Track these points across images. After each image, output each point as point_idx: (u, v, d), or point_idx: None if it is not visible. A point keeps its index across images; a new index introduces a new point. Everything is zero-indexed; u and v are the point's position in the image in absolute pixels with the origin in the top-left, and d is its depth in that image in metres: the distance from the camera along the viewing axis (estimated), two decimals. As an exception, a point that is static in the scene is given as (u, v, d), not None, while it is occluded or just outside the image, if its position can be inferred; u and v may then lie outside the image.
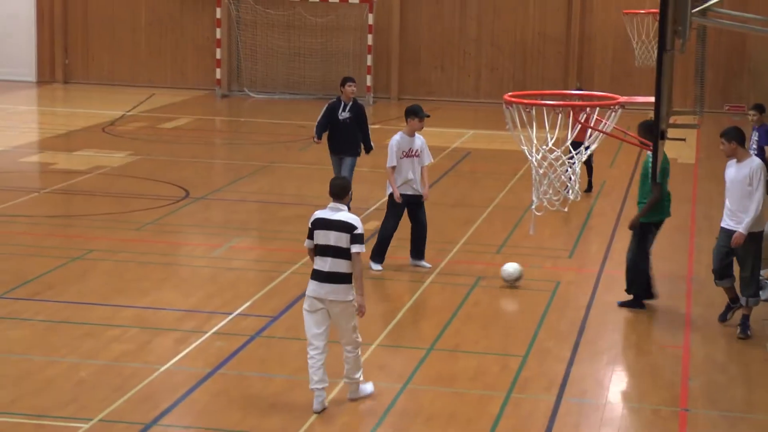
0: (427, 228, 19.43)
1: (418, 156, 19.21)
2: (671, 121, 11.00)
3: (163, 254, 20.39)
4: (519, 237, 21.74)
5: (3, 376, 14.53)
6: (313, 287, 13.68)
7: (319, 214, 13.85)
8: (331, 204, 13.84)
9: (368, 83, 39.42)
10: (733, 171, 16.22)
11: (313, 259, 13.80)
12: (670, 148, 13.91)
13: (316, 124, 22.25)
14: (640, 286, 17.52)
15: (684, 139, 12.80)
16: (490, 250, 20.99)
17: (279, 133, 32.11)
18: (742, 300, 16.18)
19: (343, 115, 21.81)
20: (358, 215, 14.05)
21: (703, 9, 9.31)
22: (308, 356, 13.54)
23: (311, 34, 40.14)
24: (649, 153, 16.19)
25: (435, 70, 39.78)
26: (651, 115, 11.21)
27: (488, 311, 17.70)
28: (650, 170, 16.48)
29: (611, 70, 38.32)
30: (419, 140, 19.38)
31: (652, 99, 10.07)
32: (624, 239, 21.68)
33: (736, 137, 16.33)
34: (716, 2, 9.85)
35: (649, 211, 17.22)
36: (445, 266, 19.71)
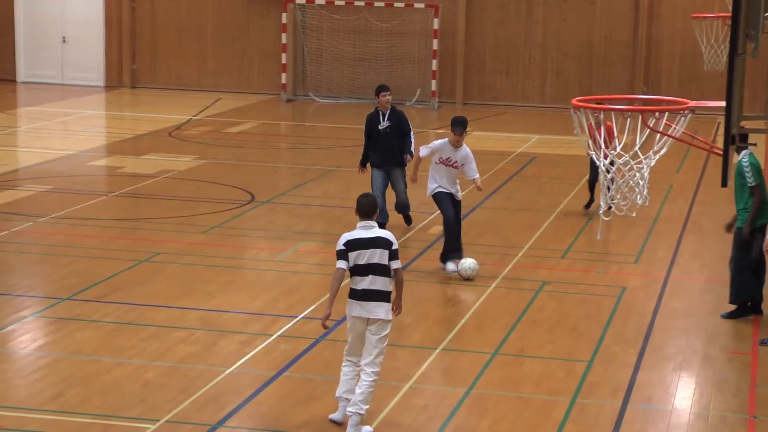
0: (461, 230, 19.56)
1: (456, 167, 19.16)
2: (741, 125, 10.97)
3: (229, 257, 20.51)
4: (584, 242, 21.71)
5: (72, 377, 14.67)
6: (355, 307, 13.44)
7: (352, 235, 13.59)
8: (362, 223, 13.63)
9: (433, 88, 39.43)
10: None
11: (338, 284, 13.41)
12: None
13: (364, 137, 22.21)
14: (746, 296, 17.21)
15: (755, 144, 12.75)
16: (555, 255, 20.97)
17: (344, 138, 32.18)
18: None
19: (383, 125, 21.60)
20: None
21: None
22: (342, 371, 13.51)
23: (376, 39, 40.19)
24: (742, 158, 16.20)
25: (500, 74, 39.76)
26: (721, 120, 11.20)
27: (553, 316, 17.67)
28: (745, 174, 16.52)
29: (678, 74, 38.15)
30: (462, 153, 19.24)
31: (723, 104, 10.04)
32: (691, 244, 21.68)
33: None
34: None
35: (755, 216, 16.78)
36: (509, 271, 19.70)
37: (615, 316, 17.67)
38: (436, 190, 19.25)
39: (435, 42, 39.36)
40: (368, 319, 13.30)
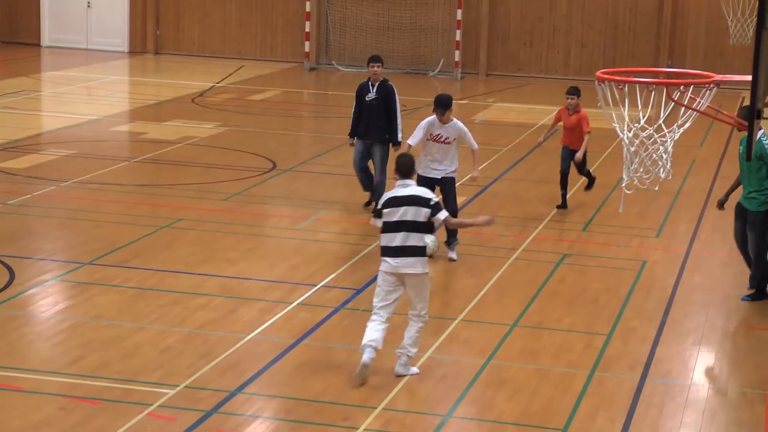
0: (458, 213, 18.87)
1: (448, 143, 18.61)
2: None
3: (250, 225, 20.57)
4: (606, 215, 21.70)
5: (93, 341, 14.75)
6: (387, 263, 13.98)
7: (390, 194, 14.24)
8: (399, 182, 14.17)
9: (456, 58, 39.43)
10: None
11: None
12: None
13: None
14: (765, 278, 17.12)
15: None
16: (576, 228, 20.99)
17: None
18: None
19: (370, 96, 21.03)
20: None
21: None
22: (370, 322, 13.96)
23: (400, 8, 40.17)
24: (762, 134, 16.08)
25: (524, 46, 39.74)
26: (746, 94, 11.18)
27: (573, 289, 17.69)
28: (765, 151, 16.28)
29: (704, 47, 38.07)
30: (453, 128, 18.71)
31: (749, 78, 10.03)
32: (713, 219, 21.64)
33: None
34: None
35: None
36: (530, 243, 19.72)
37: (635, 290, 17.68)
38: (422, 173, 18.70)
39: (459, 12, 39.34)
40: (404, 274, 13.84)
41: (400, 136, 20.84)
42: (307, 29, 40.50)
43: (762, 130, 15.98)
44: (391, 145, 20.91)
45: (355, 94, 21.47)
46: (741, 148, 16.52)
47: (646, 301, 17.24)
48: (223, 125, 29.33)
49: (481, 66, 39.80)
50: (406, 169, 14.28)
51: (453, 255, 18.64)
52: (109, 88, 35.74)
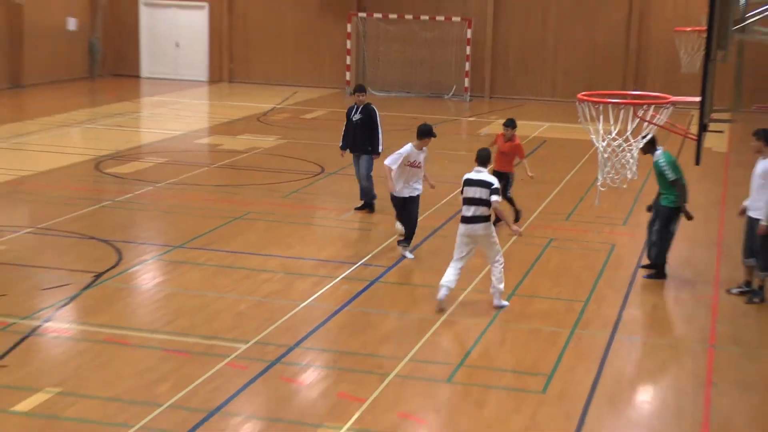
0: (418, 220, 18.32)
1: (420, 167, 17.84)
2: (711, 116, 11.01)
3: (304, 216, 20.64)
4: (584, 208, 21.75)
5: (182, 307, 14.91)
6: (463, 228, 15.21)
7: (467, 175, 15.35)
8: (476, 168, 15.34)
9: (466, 85, 39.43)
10: (758, 166, 15.92)
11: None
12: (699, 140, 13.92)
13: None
14: (663, 259, 17.14)
15: (722, 131, 12.79)
16: (560, 218, 21.04)
17: (395, 124, 32.15)
18: (759, 275, 16.05)
19: (355, 117, 20.92)
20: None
21: (742, 26, 9.33)
22: (448, 268, 15.23)
23: (421, 46, 40.19)
24: (658, 155, 16.27)
25: (520, 74, 39.70)
26: (695, 113, 11.29)
27: (558, 266, 17.76)
28: (661, 169, 16.58)
29: (662, 75, 37.96)
30: (425, 154, 18.09)
31: (698, 99, 10.11)
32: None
33: (764, 137, 15.83)
34: (754, 20, 9.87)
35: (682, 199, 16.81)
36: (524, 230, 19.77)
37: (607, 267, 17.75)
38: (400, 193, 17.83)
39: (468, 48, 39.34)
40: (476, 235, 15.15)
41: (380, 148, 20.69)
42: (348, 62, 40.57)
43: (660, 150, 16.57)
44: (373, 155, 20.72)
45: (345, 115, 21.31)
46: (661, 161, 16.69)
47: (615, 275, 17.30)
48: (282, 138, 29.39)
49: (486, 90, 39.77)
50: (483, 159, 15.56)
51: (408, 255, 17.91)
52: (193, 109, 35.83)
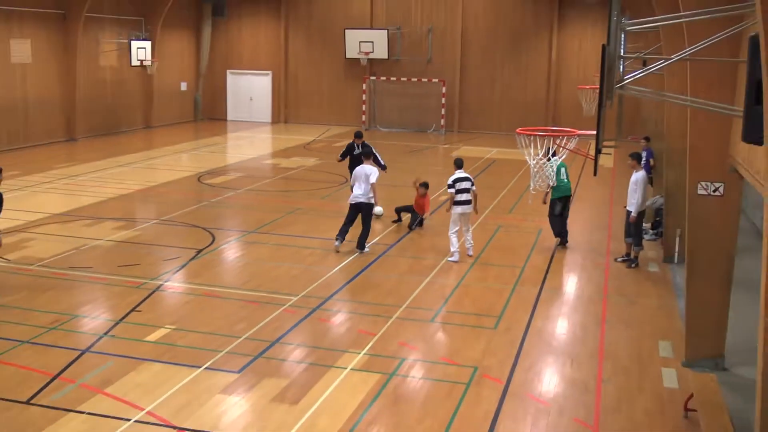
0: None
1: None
2: (603, 143, 10.90)
3: (336, 212, 20.40)
4: (521, 204, 21.56)
5: (254, 272, 14.83)
6: (460, 209, 16.02)
7: (457, 176, 16.10)
8: (458, 171, 16.21)
9: (442, 123, 39.25)
10: (632, 177, 16.04)
11: (452, 201, 15.98)
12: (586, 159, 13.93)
13: (340, 153, 20.69)
14: (556, 232, 17.54)
15: (610, 153, 12.72)
16: (505, 211, 20.90)
17: (395, 148, 32.07)
18: (634, 249, 16.10)
19: (357, 151, 19.91)
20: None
21: (621, 85, 9.23)
22: (453, 240, 16.02)
23: (412, 97, 40.00)
24: (558, 160, 16.64)
25: (477, 116, 39.51)
26: (592, 141, 11.22)
27: (504, 244, 17.62)
28: (557, 170, 16.71)
29: (571, 116, 37.74)
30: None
31: (594, 132, 10.01)
32: (575, 206, 21.52)
33: (636, 157, 16.19)
34: (629, 81, 9.75)
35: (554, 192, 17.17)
36: (482, 219, 19.67)
37: (536, 244, 17.62)
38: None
39: (443, 99, 39.19)
40: (466, 214, 16.17)
41: (382, 163, 20.02)
42: (363, 109, 40.46)
43: (557, 158, 16.48)
44: (382, 170, 19.69)
45: (346, 147, 20.48)
46: (560, 166, 16.82)
47: (542, 250, 17.15)
48: (320, 159, 29.24)
49: (455, 126, 39.55)
50: (459, 164, 16.41)
51: (366, 250, 16.61)
52: (261, 141, 35.72)
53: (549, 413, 9.67)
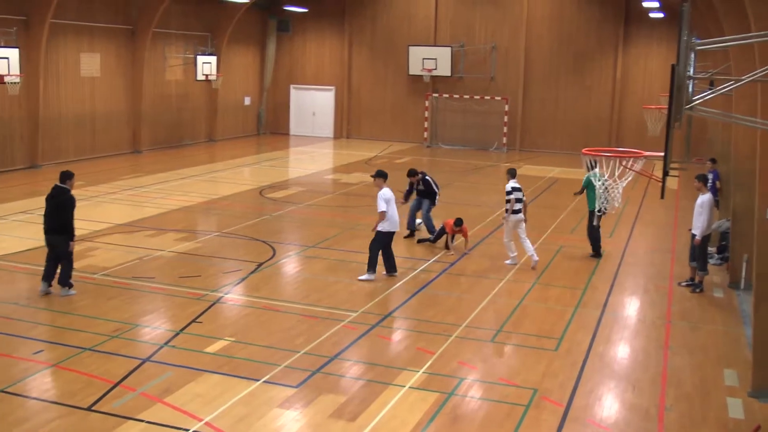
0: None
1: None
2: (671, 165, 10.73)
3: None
4: (583, 225, 21.21)
5: (313, 287, 14.86)
6: (520, 216, 16.84)
7: (515, 185, 16.81)
8: (513, 180, 16.89)
9: (504, 141, 39.08)
10: (697, 200, 15.73)
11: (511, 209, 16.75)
12: (636, 177, 13.71)
13: (404, 194, 19.89)
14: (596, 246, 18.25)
15: (677, 176, 12.50)
16: (567, 231, 20.69)
17: (456, 166, 32.06)
18: (699, 273, 15.78)
19: (419, 188, 19.26)
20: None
21: (690, 107, 9.08)
22: (524, 244, 16.95)
23: (474, 115, 39.94)
24: (588, 174, 17.21)
25: (539, 134, 39.27)
26: (657, 163, 11.06)
27: (566, 265, 17.43)
28: (588, 184, 17.69)
29: (634, 136, 37.30)
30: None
31: (662, 154, 9.85)
32: (639, 228, 21.20)
33: (701, 180, 15.80)
34: (698, 102, 9.59)
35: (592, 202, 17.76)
36: (542, 241, 19.50)
37: (598, 266, 17.40)
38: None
39: (505, 117, 39.04)
40: (523, 220, 16.89)
41: (437, 197, 19.51)
42: (426, 125, 40.48)
43: (594, 170, 16.55)
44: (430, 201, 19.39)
45: (408, 187, 19.79)
46: (592, 179, 16.96)
47: (603, 271, 16.95)
48: (381, 176, 29.35)
49: (517, 145, 39.36)
50: (513, 173, 17.04)
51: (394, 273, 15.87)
52: (322, 156, 35.94)
53: (610, 439, 9.51)
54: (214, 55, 36.75)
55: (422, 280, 15.66)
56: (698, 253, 15.70)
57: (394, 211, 15.66)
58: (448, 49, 39.09)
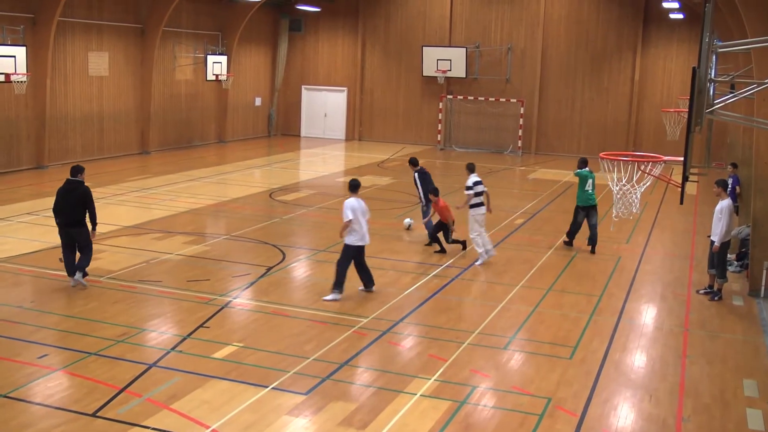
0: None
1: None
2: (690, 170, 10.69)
3: (409, 232, 20.50)
4: (600, 230, 21.11)
5: (324, 292, 14.74)
6: (483, 209, 17.46)
7: (477, 178, 17.48)
8: (474, 174, 17.67)
9: (519, 144, 39.04)
10: (717, 205, 15.62)
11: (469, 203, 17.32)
12: (650, 181, 13.64)
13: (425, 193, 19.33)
14: (572, 236, 19.42)
15: (697, 181, 12.43)
16: (582, 237, 20.61)
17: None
18: (718, 281, 15.69)
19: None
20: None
21: (711, 110, 9.03)
22: (479, 238, 17.32)
23: (489, 117, 39.92)
24: (579, 171, 18.84)
25: (555, 138, 39.20)
26: (675, 167, 10.99)
27: (581, 270, 17.38)
28: (584, 180, 18.86)
29: (653, 140, 37.23)
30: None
31: (681, 158, 9.81)
32: (656, 234, 21.13)
33: (722, 185, 15.68)
34: (719, 105, 9.54)
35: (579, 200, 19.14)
36: (557, 246, 19.45)
37: (615, 272, 17.33)
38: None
39: (520, 120, 39.00)
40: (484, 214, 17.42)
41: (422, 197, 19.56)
42: (439, 128, 40.45)
43: (586, 168, 18.82)
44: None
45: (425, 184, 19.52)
46: (587, 177, 18.86)
47: (620, 278, 16.88)
48: (393, 179, 29.32)
49: (532, 148, 39.31)
50: (472, 168, 17.72)
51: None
52: (334, 158, 35.97)
53: (626, 450, 9.45)
54: (225, 54, 36.84)
55: (434, 286, 15.63)
56: (717, 260, 15.61)
57: (363, 225, 14.58)
58: (463, 50, 39.07)
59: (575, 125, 38.98)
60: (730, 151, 28.46)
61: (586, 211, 19.07)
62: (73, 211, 14.59)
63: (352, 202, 14.57)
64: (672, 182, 14.48)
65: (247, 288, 15.02)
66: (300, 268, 16.68)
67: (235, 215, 21.61)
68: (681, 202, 10.71)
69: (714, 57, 9.21)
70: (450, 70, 39.36)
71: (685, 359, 12.33)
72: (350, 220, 14.41)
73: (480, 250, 17.34)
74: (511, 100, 39.20)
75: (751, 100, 16.93)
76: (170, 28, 34.01)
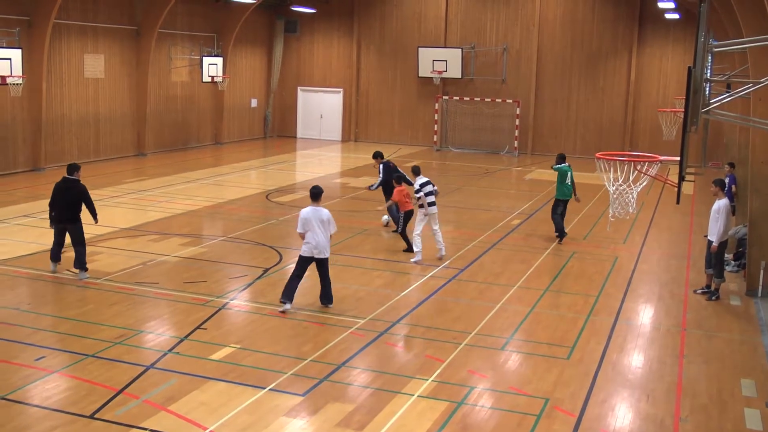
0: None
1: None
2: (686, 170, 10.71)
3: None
4: (597, 230, 21.29)
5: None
6: (435, 208, 17.55)
7: (425, 179, 17.68)
8: (421, 176, 17.90)
9: (515, 145, 39.07)
10: (714, 205, 15.66)
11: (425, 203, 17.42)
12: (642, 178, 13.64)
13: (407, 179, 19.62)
14: (559, 231, 19.96)
15: (693, 180, 12.47)
16: (580, 237, 20.63)
17: (467, 170, 32.02)
18: (715, 281, 15.72)
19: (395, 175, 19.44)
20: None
21: (707, 110, 9.06)
22: (417, 237, 17.41)
23: (485, 117, 39.94)
24: (559, 166, 20.09)
25: (551, 138, 39.22)
26: (671, 167, 11.00)
27: (578, 271, 17.39)
28: (559, 176, 20.15)
29: (648, 140, 37.28)
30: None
31: (677, 158, 9.83)
32: (653, 234, 21.16)
33: (719, 184, 15.72)
34: (715, 105, 9.56)
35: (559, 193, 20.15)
36: (555, 245, 19.47)
37: (612, 272, 17.35)
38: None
39: (516, 120, 39.02)
40: (435, 214, 17.60)
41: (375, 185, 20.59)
42: (435, 128, 40.47)
43: (565, 163, 20.20)
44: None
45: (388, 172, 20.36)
46: (567, 171, 20.13)
47: (617, 278, 16.90)
48: (390, 180, 29.37)
49: (528, 149, 39.33)
50: (418, 170, 17.93)
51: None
52: (330, 159, 35.96)
53: (623, 450, 9.46)
54: (221, 56, 36.84)
55: (431, 287, 15.65)
56: (714, 260, 15.64)
57: (319, 236, 13.70)
58: (459, 50, 39.11)
59: (571, 125, 39.03)
60: (727, 151, 28.52)
61: (564, 204, 20.09)
62: (69, 208, 15.40)
63: (305, 212, 13.73)
64: (668, 182, 14.50)
65: (244, 289, 15.02)
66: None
67: (232, 217, 21.61)
68: (677, 202, 10.73)
69: (710, 56, 9.23)
70: (446, 71, 39.40)
71: (683, 359, 12.35)
72: (301, 233, 13.70)
73: (416, 249, 17.50)
74: (507, 101, 39.23)
75: (747, 99, 16.97)
76: (166, 30, 34.01)
